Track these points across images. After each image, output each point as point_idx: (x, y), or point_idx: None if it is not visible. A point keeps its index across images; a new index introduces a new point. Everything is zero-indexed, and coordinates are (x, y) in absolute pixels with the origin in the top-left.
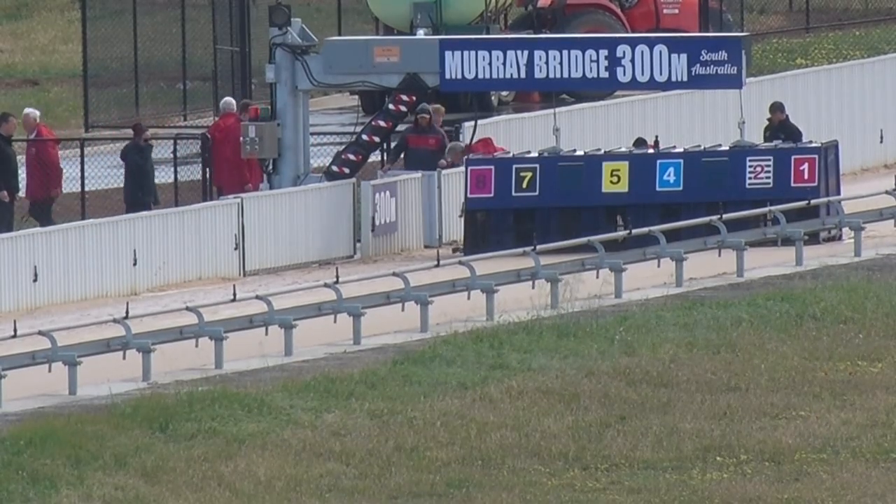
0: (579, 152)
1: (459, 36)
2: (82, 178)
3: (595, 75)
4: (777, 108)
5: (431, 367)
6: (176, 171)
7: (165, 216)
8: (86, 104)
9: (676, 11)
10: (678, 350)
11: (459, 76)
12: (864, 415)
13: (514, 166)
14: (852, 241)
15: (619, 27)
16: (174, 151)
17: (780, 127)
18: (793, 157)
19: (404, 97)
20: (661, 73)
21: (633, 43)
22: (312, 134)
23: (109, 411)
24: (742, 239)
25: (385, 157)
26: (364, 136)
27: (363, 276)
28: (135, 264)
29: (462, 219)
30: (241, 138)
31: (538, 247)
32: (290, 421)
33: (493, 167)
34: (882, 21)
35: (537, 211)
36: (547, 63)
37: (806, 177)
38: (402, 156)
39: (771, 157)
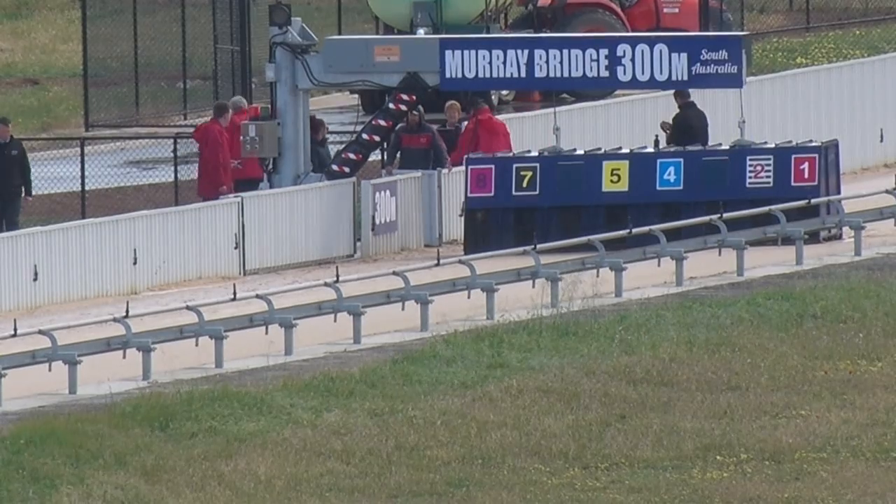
0: (579, 151)
1: (460, 35)
2: (82, 177)
3: (595, 74)
4: (678, 95)
5: (431, 366)
6: (176, 171)
7: (165, 216)
8: (86, 103)
9: (677, 10)
10: (678, 349)
11: (460, 75)
12: (864, 414)
13: (515, 165)
14: (852, 240)
15: (619, 26)
16: (174, 151)
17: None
18: (793, 157)
19: (404, 96)
20: (661, 73)
21: (633, 42)
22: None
23: (109, 410)
24: (742, 238)
25: (384, 157)
26: (364, 136)
27: (363, 275)
28: (135, 263)
29: (462, 218)
30: (241, 137)
31: (538, 246)
32: (290, 420)
33: (493, 166)
34: (882, 21)
35: (537, 210)
36: (547, 62)
37: (806, 176)
38: (398, 155)
39: (771, 157)
